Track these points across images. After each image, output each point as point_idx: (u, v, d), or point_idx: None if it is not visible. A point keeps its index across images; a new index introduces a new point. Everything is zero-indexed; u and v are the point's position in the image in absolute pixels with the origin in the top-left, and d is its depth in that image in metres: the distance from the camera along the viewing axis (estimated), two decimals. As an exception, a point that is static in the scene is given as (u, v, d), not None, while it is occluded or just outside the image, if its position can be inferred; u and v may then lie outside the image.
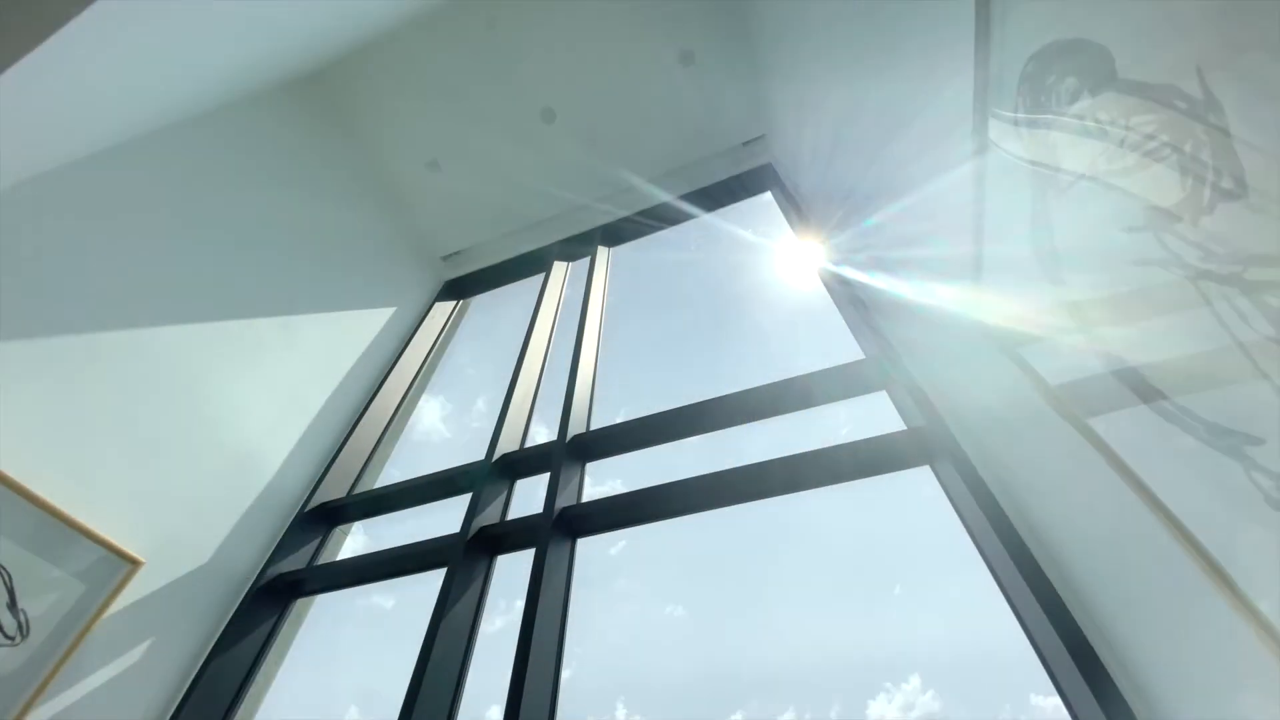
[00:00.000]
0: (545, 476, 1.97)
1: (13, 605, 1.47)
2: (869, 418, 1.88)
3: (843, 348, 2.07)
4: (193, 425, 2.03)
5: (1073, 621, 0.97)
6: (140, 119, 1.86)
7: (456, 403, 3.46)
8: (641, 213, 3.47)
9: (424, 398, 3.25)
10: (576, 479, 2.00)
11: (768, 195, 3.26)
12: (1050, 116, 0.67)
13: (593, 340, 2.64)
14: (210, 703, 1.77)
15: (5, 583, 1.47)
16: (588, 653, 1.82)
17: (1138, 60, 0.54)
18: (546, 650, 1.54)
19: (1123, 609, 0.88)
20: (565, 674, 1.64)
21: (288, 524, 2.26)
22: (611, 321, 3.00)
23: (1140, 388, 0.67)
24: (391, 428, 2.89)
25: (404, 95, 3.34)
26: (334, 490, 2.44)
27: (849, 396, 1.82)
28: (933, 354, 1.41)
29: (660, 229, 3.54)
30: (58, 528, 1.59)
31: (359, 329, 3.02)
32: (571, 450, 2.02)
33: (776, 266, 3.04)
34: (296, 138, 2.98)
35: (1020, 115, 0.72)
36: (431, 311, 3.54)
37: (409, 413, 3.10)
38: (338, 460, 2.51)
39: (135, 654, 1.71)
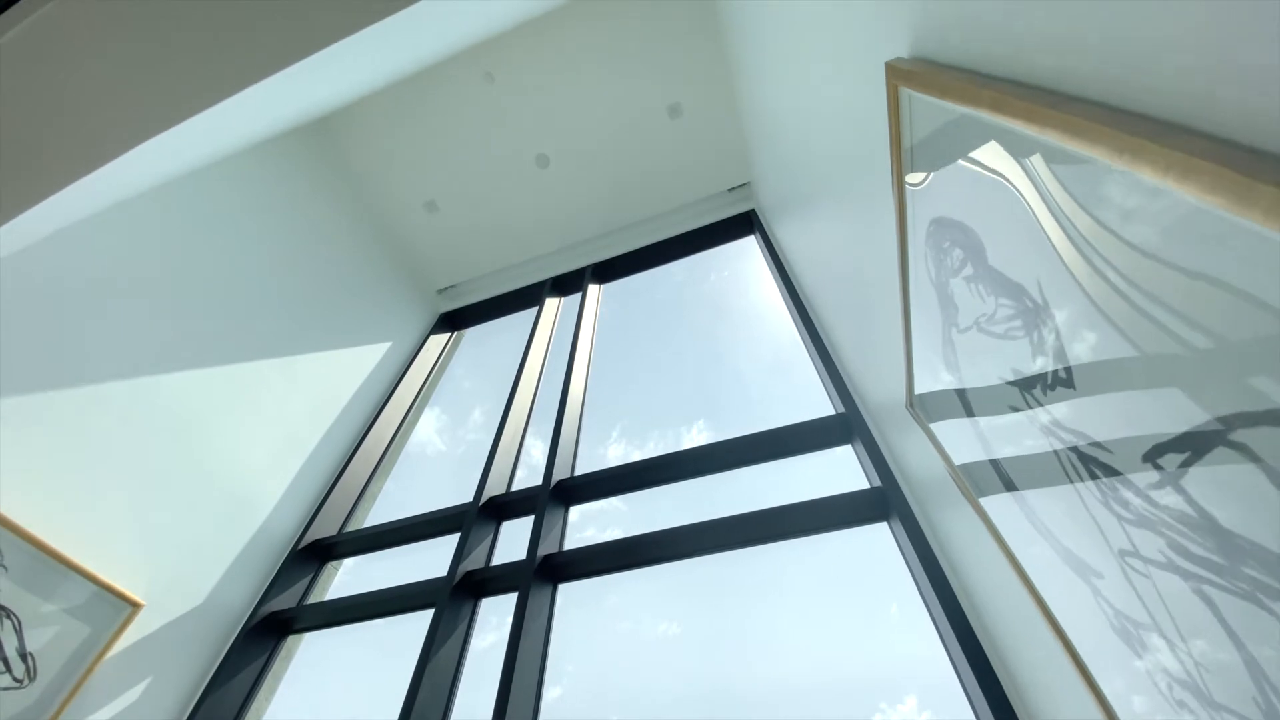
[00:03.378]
0: (530, 520, 2.07)
1: (22, 651, 1.55)
2: (844, 467, 1.99)
3: (819, 399, 2.19)
4: (191, 469, 2.12)
5: (989, 667, 1.08)
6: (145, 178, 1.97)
7: (452, 415, 3.56)
8: (631, 253, 3.61)
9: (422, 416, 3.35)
10: (559, 524, 2.09)
11: (751, 239, 3.41)
12: (946, 275, 0.79)
13: (580, 382, 2.75)
14: (203, 740, 1.84)
15: (15, 628, 1.55)
16: (579, 669, 1.88)
17: (999, 257, 0.66)
18: (527, 687, 1.62)
19: (1017, 658, 0.99)
20: (555, 693, 1.73)
21: (280, 562, 2.34)
22: (604, 346, 3.14)
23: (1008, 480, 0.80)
24: (384, 461, 2.98)
25: (403, 138, 3.48)
26: (326, 528, 2.52)
27: (820, 449, 1.93)
28: (889, 417, 1.53)
29: (649, 267, 3.68)
30: (64, 572, 1.67)
31: (356, 363, 3.11)
32: (555, 494, 2.12)
33: (758, 310, 3.17)
34: (296, 178, 3.10)
35: (930, 266, 0.85)
36: (426, 344, 3.65)
37: (402, 445, 3.19)
38: (330, 498, 2.60)
39: (134, 694, 1.78)
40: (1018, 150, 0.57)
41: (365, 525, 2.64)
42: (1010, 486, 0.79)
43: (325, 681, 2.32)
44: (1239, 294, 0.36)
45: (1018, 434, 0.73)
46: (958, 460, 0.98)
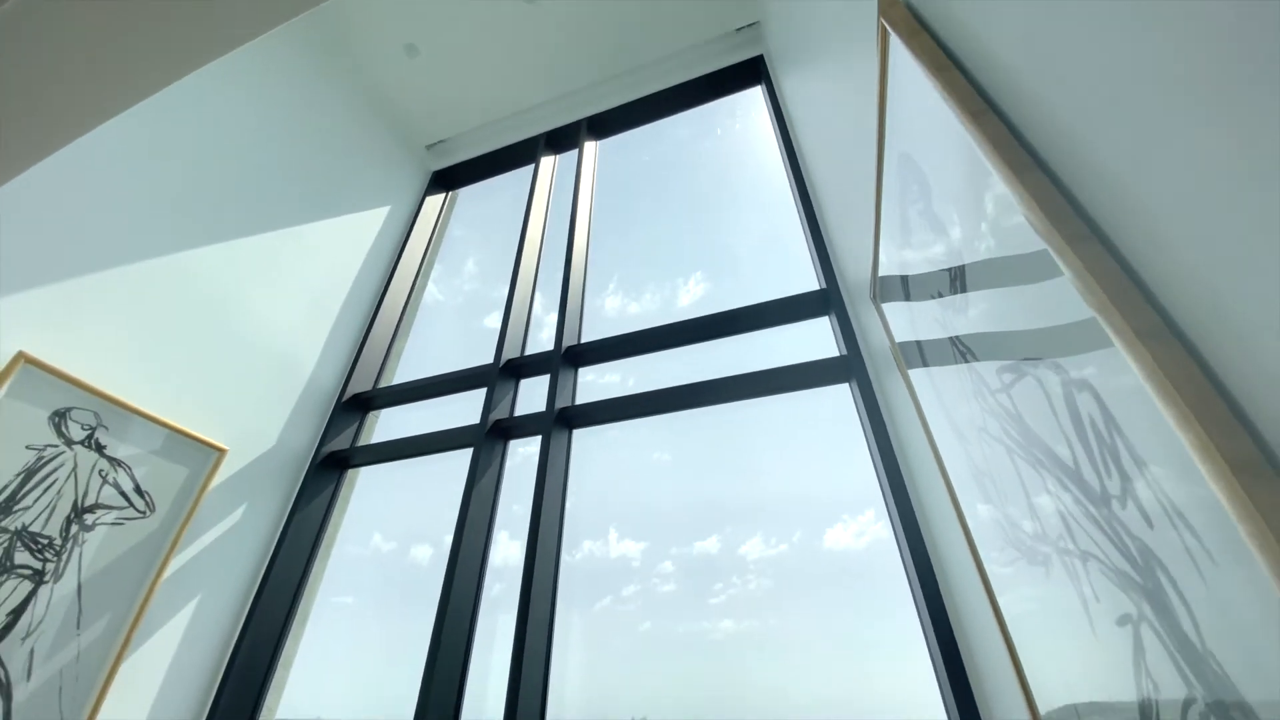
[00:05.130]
0: (545, 377, 2.38)
1: (139, 489, 1.92)
2: (817, 339, 2.22)
3: (806, 271, 2.36)
4: (238, 336, 2.35)
5: (906, 493, 1.45)
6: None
7: (447, 265, 3.76)
8: (628, 104, 3.44)
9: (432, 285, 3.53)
10: (571, 381, 2.40)
11: (758, 90, 3.24)
12: (908, 202, 0.93)
13: (581, 248, 2.87)
14: (295, 552, 2.35)
15: (129, 473, 1.91)
16: (585, 488, 2.31)
17: (940, 202, 0.80)
18: (553, 510, 2.05)
19: (924, 488, 1.33)
20: (569, 502, 2.16)
21: (329, 412, 2.70)
22: (603, 201, 3.21)
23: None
24: (403, 322, 3.22)
25: (371, -33, 3.10)
26: (363, 383, 2.85)
27: (802, 320, 2.15)
28: (860, 295, 1.72)
29: (647, 122, 3.54)
30: (154, 428, 1.99)
31: (360, 229, 3.19)
32: (565, 358, 2.40)
33: (758, 169, 3.15)
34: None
35: (897, 183, 0.97)
36: (423, 206, 3.66)
37: (416, 306, 3.41)
38: (361, 356, 2.89)
39: (233, 519, 2.23)
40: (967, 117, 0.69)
41: (395, 382, 2.96)
42: (925, 363, 1.02)
43: (380, 511, 2.83)
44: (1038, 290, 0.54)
45: (932, 322, 0.93)
46: (898, 338, 1.20)
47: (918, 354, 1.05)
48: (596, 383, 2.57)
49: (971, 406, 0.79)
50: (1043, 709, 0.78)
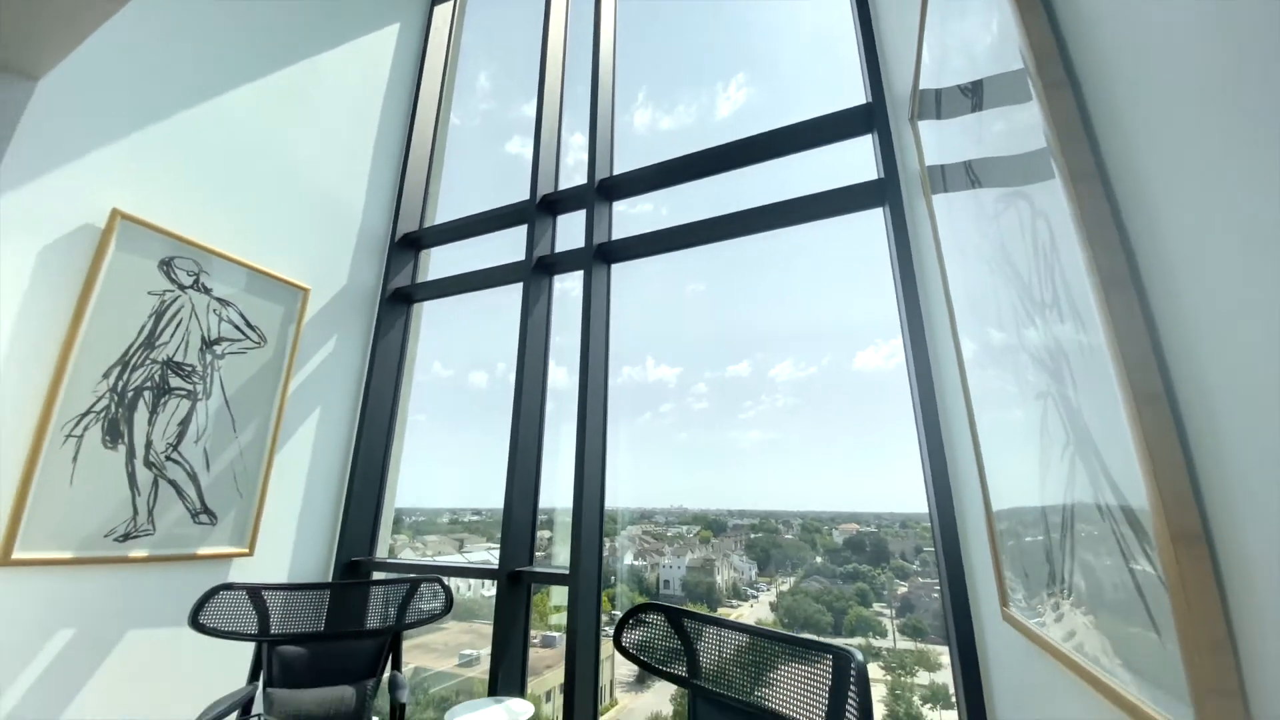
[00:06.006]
0: (582, 213, 2.45)
1: (251, 323, 2.25)
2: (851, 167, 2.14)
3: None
4: (289, 182, 2.47)
5: (919, 314, 1.58)
6: None
7: (460, 81, 3.65)
8: None
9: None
10: (606, 215, 2.46)
11: None
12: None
13: (608, 57, 2.68)
14: (384, 376, 2.74)
15: (239, 311, 2.21)
16: (623, 320, 2.53)
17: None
18: (599, 336, 2.29)
19: (934, 306, 1.46)
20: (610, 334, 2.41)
21: (386, 253, 2.90)
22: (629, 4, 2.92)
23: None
24: (435, 155, 3.23)
25: None
26: (410, 223, 2.99)
27: (844, 139, 2.07)
28: (902, 110, 1.65)
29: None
30: (250, 273, 2.24)
31: (373, 53, 3.04)
32: (600, 191, 2.43)
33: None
34: None
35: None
36: (433, 18, 3.38)
37: (444, 136, 3.36)
38: (403, 195, 2.99)
39: (329, 347, 2.59)
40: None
41: (437, 222, 3.09)
42: (946, 189, 1.07)
43: (437, 345, 3.16)
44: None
45: (954, 146, 0.97)
46: (928, 161, 1.22)
47: (941, 179, 1.09)
48: (629, 213, 2.62)
49: (971, 231, 0.87)
50: (995, 506, 1.01)
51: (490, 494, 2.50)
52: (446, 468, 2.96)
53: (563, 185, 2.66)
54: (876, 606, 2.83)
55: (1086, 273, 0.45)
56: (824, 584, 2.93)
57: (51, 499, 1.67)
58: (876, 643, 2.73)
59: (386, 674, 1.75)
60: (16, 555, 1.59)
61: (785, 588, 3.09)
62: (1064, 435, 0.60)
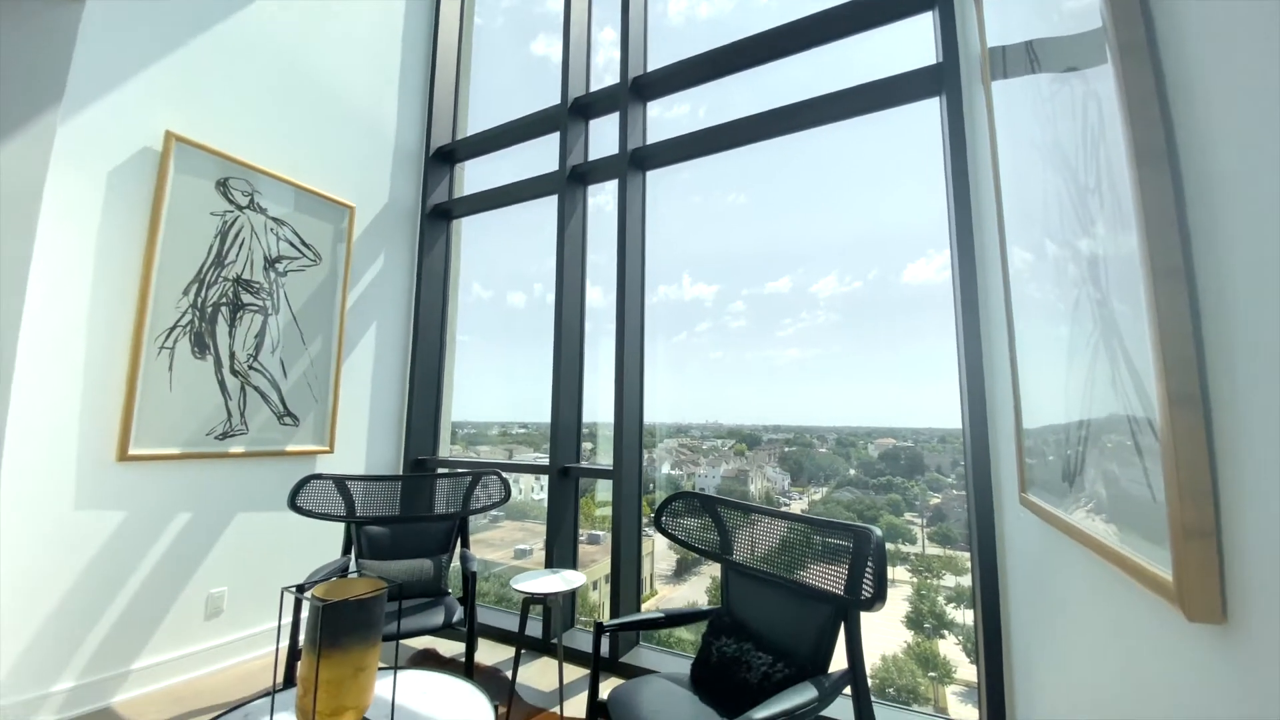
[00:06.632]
0: (614, 116, 2.37)
1: (305, 242, 2.35)
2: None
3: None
4: (322, 96, 2.47)
5: (972, 252, 1.52)
6: None
7: None
8: None
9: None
10: (641, 118, 2.37)
11: None
12: None
13: (641, -54, 2.46)
14: (431, 292, 2.85)
15: (293, 230, 2.31)
16: (660, 236, 2.49)
17: None
18: (635, 251, 2.30)
19: (984, 212, 1.40)
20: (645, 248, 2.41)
21: (422, 168, 2.91)
22: None
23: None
24: (461, 63, 3.12)
25: None
26: (442, 135, 2.96)
27: (901, 18, 1.89)
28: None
29: None
30: (297, 191, 2.32)
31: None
32: (633, 91, 2.32)
33: None
34: None
35: None
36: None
37: (469, 40, 3.23)
38: (434, 107, 2.94)
39: (379, 264, 2.70)
40: None
41: (469, 133, 3.04)
42: (1005, 74, 1.00)
43: (476, 265, 3.22)
44: None
45: (1018, 24, 0.90)
46: (990, 42, 1.13)
47: (1001, 63, 1.01)
48: (664, 118, 2.51)
49: (1027, 118, 0.83)
50: (1026, 425, 1.03)
51: (534, 409, 2.67)
52: (493, 385, 3.13)
53: (594, 87, 2.55)
54: (908, 515, 2.95)
55: (1124, 145, 0.44)
56: (856, 494, 3.06)
57: (156, 404, 1.90)
58: (905, 549, 2.88)
59: (457, 551, 2.00)
60: (132, 452, 1.84)
61: (818, 497, 3.24)
62: (1091, 324, 0.62)
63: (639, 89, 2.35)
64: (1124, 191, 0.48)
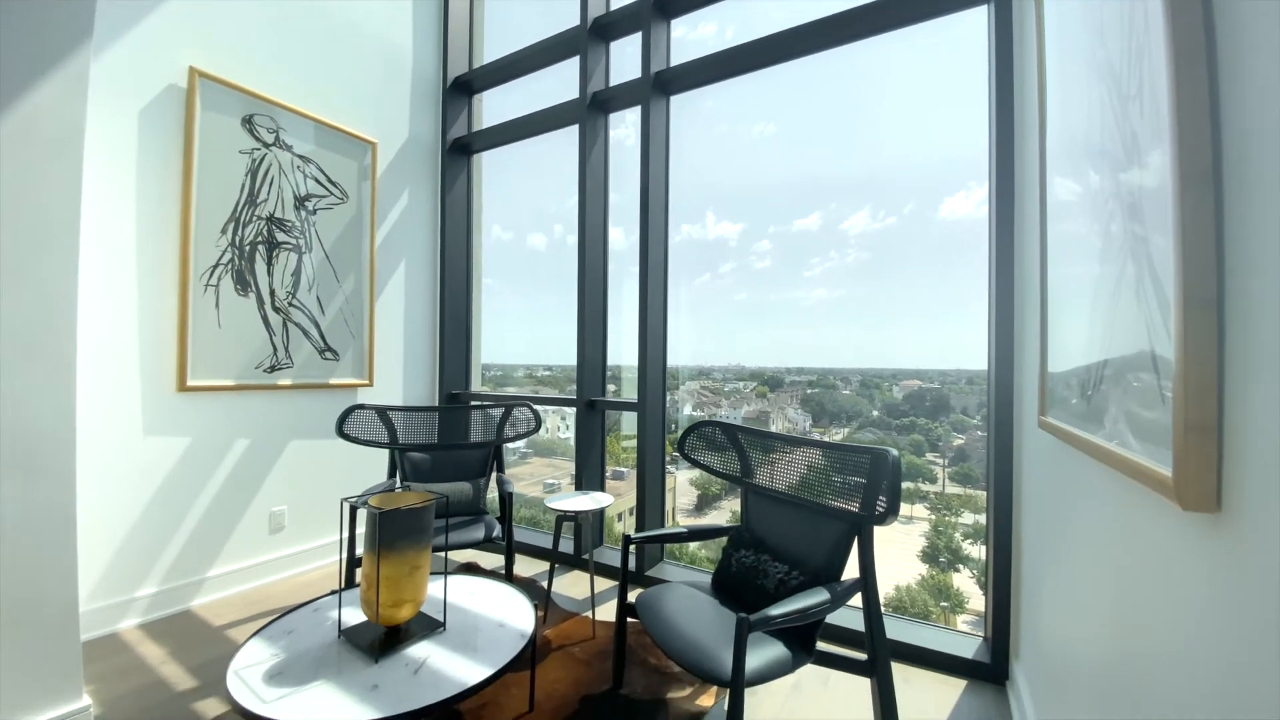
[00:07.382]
0: (637, 37, 2.26)
1: (332, 179, 2.37)
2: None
3: None
4: (336, 27, 2.41)
5: (1012, 150, 1.44)
6: None
7: None
8: None
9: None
10: (665, 37, 2.26)
11: None
12: None
13: None
14: (456, 230, 2.86)
15: (319, 167, 2.33)
16: (684, 170, 2.42)
17: None
18: (659, 184, 2.26)
19: (1025, 139, 1.33)
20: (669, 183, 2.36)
21: (440, 100, 2.85)
22: None
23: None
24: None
25: None
26: (459, 64, 2.88)
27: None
28: None
29: None
30: (320, 128, 2.31)
31: None
32: (656, 7, 2.20)
33: None
34: None
35: None
36: None
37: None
38: (449, 33, 2.84)
39: (404, 200, 2.71)
40: None
41: (487, 61, 2.94)
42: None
43: (496, 206, 3.19)
44: None
45: None
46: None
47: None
48: (689, 39, 2.38)
49: (1077, 27, 0.78)
50: (1051, 369, 1.02)
51: (558, 352, 2.71)
52: (517, 328, 3.18)
53: (614, 5, 2.42)
54: (930, 456, 2.98)
55: (1165, 44, 0.43)
56: (878, 435, 3.08)
57: (206, 339, 2.01)
58: (925, 487, 2.92)
59: (493, 477, 2.14)
60: (190, 383, 1.97)
61: (839, 438, 3.28)
62: (1121, 236, 0.61)
63: (662, 5, 2.22)
64: (1162, 93, 0.46)
